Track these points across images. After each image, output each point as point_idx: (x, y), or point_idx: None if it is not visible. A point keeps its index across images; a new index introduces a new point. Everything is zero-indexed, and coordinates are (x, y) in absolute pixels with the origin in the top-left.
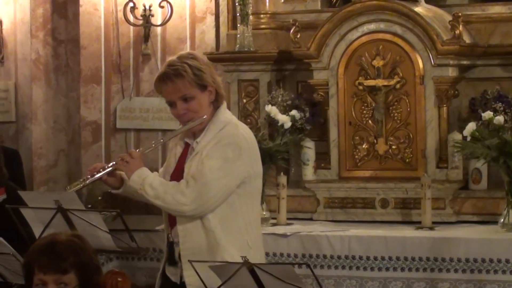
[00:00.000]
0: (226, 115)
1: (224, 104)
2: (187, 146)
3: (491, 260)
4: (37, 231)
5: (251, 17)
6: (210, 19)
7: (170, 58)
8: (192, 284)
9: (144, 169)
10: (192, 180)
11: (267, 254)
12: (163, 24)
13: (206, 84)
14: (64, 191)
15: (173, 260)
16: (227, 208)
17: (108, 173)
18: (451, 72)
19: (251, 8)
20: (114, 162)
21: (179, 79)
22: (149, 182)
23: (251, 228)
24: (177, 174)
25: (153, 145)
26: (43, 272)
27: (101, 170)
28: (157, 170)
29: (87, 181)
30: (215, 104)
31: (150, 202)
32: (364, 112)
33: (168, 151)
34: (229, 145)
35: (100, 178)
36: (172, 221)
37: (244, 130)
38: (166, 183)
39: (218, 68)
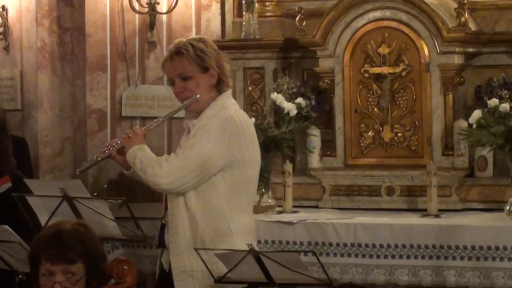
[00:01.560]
0: (227, 101)
1: (228, 92)
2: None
3: (497, 248)
4: (43, 219)
5: (256, 5)
6: (216, 7)
7: (180, 39)
8: (177, 269)
9: (143, 146)
10: (173, 155)
11: (273, 242)
12: (169, 12)
13: (207, 66)
14: (75, 175)
15: (162, 242)
16: (211, 190)
17: (118, 150)
18: (457, 60)
19: None
20: (120, 137)
21: (179, 57)
22: (140, 156)
23: (237, 214)
24: None
25: (154, 124)
26: (51, 262)
27: (110, 148)
28: (162, 146)
29: (99, 158)
30: (218, 89)
31: (137, 175)
32: (370, 99)
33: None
34: (214, 126)
35: (109, 155)
36: (166, 204)
37: (239, 117)
38: (152, 157)
39: (224, 56)
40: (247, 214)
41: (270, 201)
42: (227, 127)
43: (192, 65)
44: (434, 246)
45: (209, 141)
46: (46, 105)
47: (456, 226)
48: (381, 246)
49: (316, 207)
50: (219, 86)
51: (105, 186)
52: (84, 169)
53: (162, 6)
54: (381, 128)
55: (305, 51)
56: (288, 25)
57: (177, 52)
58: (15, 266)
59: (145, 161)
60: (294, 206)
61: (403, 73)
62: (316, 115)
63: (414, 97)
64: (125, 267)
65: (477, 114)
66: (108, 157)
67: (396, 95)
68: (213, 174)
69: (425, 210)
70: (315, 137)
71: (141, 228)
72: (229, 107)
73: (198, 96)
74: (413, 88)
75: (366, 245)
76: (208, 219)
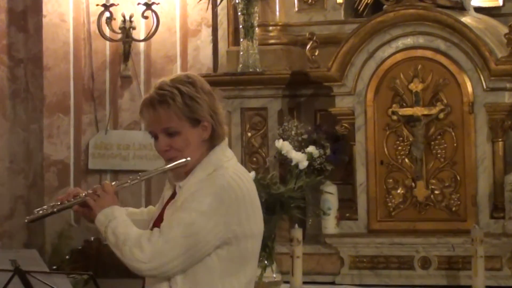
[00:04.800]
0: (220, 156)
1: (223, 143)
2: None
3: None
4: None
5: (257, 30)
6: (206, 32)
7: (163, 79)
8: None
9: (115, 208)
10: (156, 233)
11: None
12: (147, 38)
13: (199, 118)
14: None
15: None
16: (203, 272)
17: (82, 204)
18: (508, 98)
19: (257, 18)
20: (86, 192)
21: (163, 108)
22: (113, 227)
23: None
24: (159, 221)
25: (129, 182)
26: None
27: (72, 199)
28: (140, 204)
29: (55, 209)
30: (211, 143)
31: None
32: (399, 148)
33: (163, 193)
34: (208, 196)
35: (70, 207)
36: (145, 282)
37: (236, 179)
38: (130, 232)
39: (216, 94)
40: None
41: (274, 276)
42: (223, 197)
43: (180, 118)
44: None
45: (202, 216)
46: None
47: None
48: None
49: (333, 283)
50: (212, 139)
51: (67, 257)
52: (35, 218)
53: (139, 32)
54: (413, 184)
55: (317, 88)
56: (297, 55)
57: (161, 101)
58: None
59: (120, 235)
60: (304, 283)
61: (441, 115)
62: (332, 168)
63: (455, 145)
64: None
65: None
66: (67, 208)
67: (432, 143)
68: (206, 255)
69: (469, 287)
70: (330, 195)
71: None
72: (223, 165)
73: (188, 159)
74: (453, 133)
75: None
76: None
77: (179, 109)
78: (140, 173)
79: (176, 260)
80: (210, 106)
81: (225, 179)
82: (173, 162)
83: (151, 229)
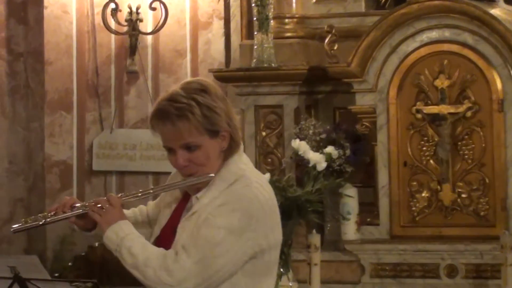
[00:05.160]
0: (240, 165)
1: (239, 151)
2: (187, 197)
3: None
4: None
5: (272, 22)
6: (218, 25)
7: (173, 88)
8: None
9: (124, 223)
10: (183, 254)
11: None
12: (155, 31)
13: (218, 130)
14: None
15: None
16: None
17: (78, 215)
18: None
19: (272, 10)
20: (87, 204)
21: (183, 122)
22: (127, 246)
23: None
24: (169, 232)
25: (140, 195)
26: None
27: (68, 210)
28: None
29: (48, 219)
30: (228, 152)
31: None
32: (424, 149)
33: (164, 194)
34: (236, 211)
35: (66, 219)
36: None
37: (260, 189)
38: (149, 250)
39: (228, 90)
40: None
41: (290, 284)
42: (252, 212)
43: (200, 131)
44: None
45: (231, 235)
46: None
47: None
48: None
49: None
50: (230, 148)
51: (70, 263)
52: (22, 229)
53: (146, 24)
54: (439, 187)
55: (337, 84)
56: (314, 49)
57: (180, 116)
58: None
59: (139, 256)
60: None
61: (468, 114)
62: (352, 170)
63: (483, 145)
64: None
65: None
66: (63, 219)
67: (459, 143)
68: (235, 273)
69: None
70: (350, 198)
71: None
72: (245, 174)
73: (212, 175)
74: (481, 133)
75: None
76: None
77: (199, 122)
78: (153, 187)
79: (207, 281)
80: (226, 113)
81: (251, 191)
82: (193, 177)
83: (159, 236)
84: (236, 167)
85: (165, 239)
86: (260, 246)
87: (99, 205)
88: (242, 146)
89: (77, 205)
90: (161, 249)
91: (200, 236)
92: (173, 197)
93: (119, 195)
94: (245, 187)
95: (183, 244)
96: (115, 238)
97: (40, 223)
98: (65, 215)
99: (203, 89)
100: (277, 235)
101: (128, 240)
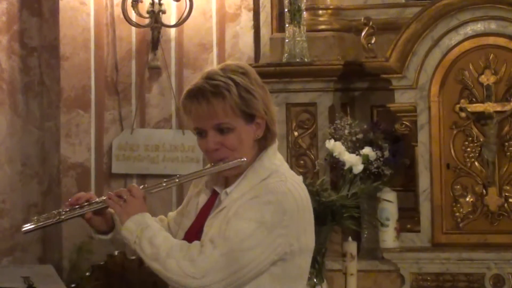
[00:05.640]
0: (274, 160)
1: (274, 145)
2: (214, 195)
3: None
4: None
5: (304, 14)
6: (247, 17)
7: (211, 68)
8: None
9: (146, 215)
10: (209, 245)
11: None
12: (179, 24)
13: (254, 114)
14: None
15: None
16: None
17: (95, 211)
18: None
19: (305, 1)
20: (105, 197)
21: (218, 100)
22: (148, 236)
23: None
24: (195, 232)
25: (164, 185)
26: None
27: (85, 204)
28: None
29: (63, 217)
30: (262, 144)
31: (145, 262)
32: (468, 150)
33: (189, 197)
34: (269, 205)
35: (81, 215)
36: None
37: (295, 186)
38: (172, 242)
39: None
40: None
41: None
42: (285, 206)
43: (235, 112)
44: None
45: (262, 228)
46: (3, 158)
47: None
48: None
49: None
50: (264, 139)
51: (88, 273)
52: (33, 228)
53: (170, 16)
54: (484, 191)
55: (374, 80)
56: (350, 43)
57: (215, 93)
58: None
59: (161, 247)
60: None
61: None
62: (390, 172)
63: None
64: None
65: None
66: (79, 216)
67: (506, 144)
68: (262, 272)
69: None
70: (389, 203)
71: None
72: (279, 170)
73: (244, 159)
74: None
75: None
76: None
77: (235, 103)
78: (178, 175)
79: (232, 276)
80: (264, 100)
81: (286, 186)
82: (224, 163)
83: (183, 238)
84: (270, 162)
85: (190, 241)
86: (290, 247)
87: (121, 196)
88: (277, 143)
89: (97, 199)
90: (185, 242)
91: (229, 228)
92: (198, 201)
93: (142, 186)
94: (279, 181)
95: (210, 237)
96: (135, 228)
97: (55, 220)
98: (82, 210)
99: (243, 72)
100: (310, 240)
101: (150, 230)
